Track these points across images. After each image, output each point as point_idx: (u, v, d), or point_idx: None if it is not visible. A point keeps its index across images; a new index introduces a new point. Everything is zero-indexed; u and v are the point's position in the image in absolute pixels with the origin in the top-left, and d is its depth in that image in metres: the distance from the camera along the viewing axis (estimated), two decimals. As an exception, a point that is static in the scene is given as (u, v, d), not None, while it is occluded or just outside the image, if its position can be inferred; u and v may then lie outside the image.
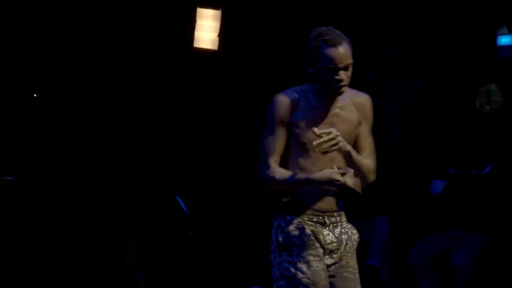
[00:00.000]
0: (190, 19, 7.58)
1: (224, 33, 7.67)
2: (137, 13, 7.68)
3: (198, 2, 7.61)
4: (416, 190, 6.83)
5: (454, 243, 6.03)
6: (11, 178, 7.03)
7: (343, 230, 3.46)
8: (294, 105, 3.37)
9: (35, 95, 7.81)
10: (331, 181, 3.27)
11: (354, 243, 3.49)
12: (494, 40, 7.25)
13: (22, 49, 7.47)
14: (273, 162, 3.37)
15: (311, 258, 3.35)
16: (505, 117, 7.28)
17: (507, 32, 7.21)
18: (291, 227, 3.38)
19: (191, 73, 7.99)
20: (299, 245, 3.36)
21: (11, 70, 7.50)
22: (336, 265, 3.42)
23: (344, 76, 3.32)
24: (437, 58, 7.49)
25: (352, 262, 3.47)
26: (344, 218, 3.50)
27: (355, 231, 3.51)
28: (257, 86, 7.93)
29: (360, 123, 3.49)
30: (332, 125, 3.34)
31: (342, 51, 3.31)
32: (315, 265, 3.35)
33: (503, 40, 7.23)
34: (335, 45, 3.30)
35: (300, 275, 3.32)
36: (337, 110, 3.41)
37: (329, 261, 3.41)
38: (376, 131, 8.13)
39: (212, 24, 7.59)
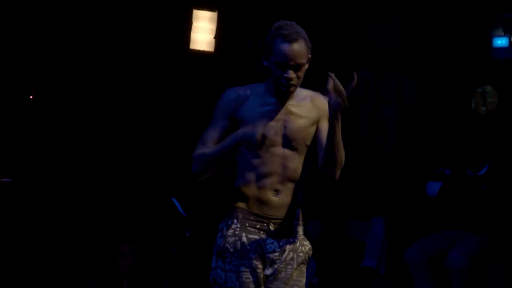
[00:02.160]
0: (186, 21, 7.58)
1: (220, 35, 7.67)
2: (133, 14, 7.68)
3: (195, 3, 7.61)
4: (412, 191, 6.84)
5: (450, 244, 6.03)
6: (7, 179, 7.02)
7: (290, 240, 3.23)
8: (242, 100, 3.19)
9: (31, 97, 7.80)
10: (252, 135, 3.05)
11: (301, 254, 3.25)
12: (490, 41, 7.26)
13: (18, 50, 7.46)
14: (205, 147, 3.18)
15: (242, 268, 3.16)
16: (501, 119, 7.29)
17: (502, 33, 7.22)
18: (229, 233, 3.19)
19: (187, 75, 7.99)
20: (232, 252, 3.17)
21: (7, 72, 7.49)
22: (274, 276, 3.20)
23: (293, 75, 3.14)
24: (433, 59, 7.50)
25: (295, 274, 3.23)
26: (298, 228, 3.27)
27: (307, 243, 3.29)
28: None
29: (319, 120, 3.24)
30: (284, 122, 3.18)
31: (296, 49, 3.12)
32: (244, 277, 3.15)
33: (499, 41, 7.24)
34: (290, 41, 3.11)
35: (228, 284, 3.15)
36: (290, 107, 3.21)
37: (269, 271, 3.20)
38: (373, 132, 8.18)
39: (208, 26, 7.59)
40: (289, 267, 3.22)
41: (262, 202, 3.20)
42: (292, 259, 3.23)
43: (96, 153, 7.65)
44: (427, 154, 7.24)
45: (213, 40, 7.60)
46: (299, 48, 3.12)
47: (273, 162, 3.18)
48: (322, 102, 3.24)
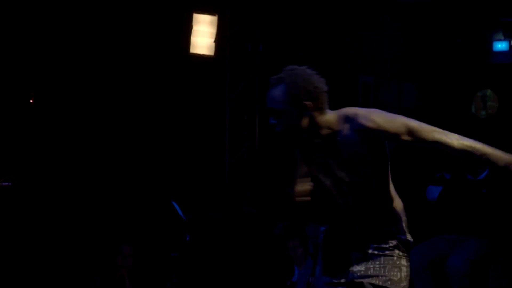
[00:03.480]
0: (187, 24, 7.59)
1: (220, 39, 7.68)
2: (133, 18, 7.69)
3: (195, 7, 7.62)
4: (412, 196, 6.83)
5: (450, 248, 6.02)
6: (7, 183, 7.02)
7: None
8: None
9: (31, 101, 7.81)
10: None
11: None
12: (490, 45, 7.27)
13: (18, 55, 7.47)
14: None
15: None
16: (501, 122, 7.29)
17: (502, 37, 7.23)
18: None
19: (187, 78, 8.00)
20: None
21: (8, 76, 7.50)
22: None
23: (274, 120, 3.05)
24: (433, 63, 7.50)
25: None
26: None
27: None
28: (253, 91, 7.94)
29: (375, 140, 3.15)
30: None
31: (272, 94, 3.06)
32: None
33: (499, 45, 7.24)
34: (270, 86, 3.08)
35: None
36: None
37: None
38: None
39: (208, 29, 7.60)
40: None
41: None
42: None
43: (97, 156, 7.66)
44: (427, 158, 7.23)
45: (213, 44, 7.61)
46: (275, 92, 3.05)
47: None
48: (356, 124, 3.24)
